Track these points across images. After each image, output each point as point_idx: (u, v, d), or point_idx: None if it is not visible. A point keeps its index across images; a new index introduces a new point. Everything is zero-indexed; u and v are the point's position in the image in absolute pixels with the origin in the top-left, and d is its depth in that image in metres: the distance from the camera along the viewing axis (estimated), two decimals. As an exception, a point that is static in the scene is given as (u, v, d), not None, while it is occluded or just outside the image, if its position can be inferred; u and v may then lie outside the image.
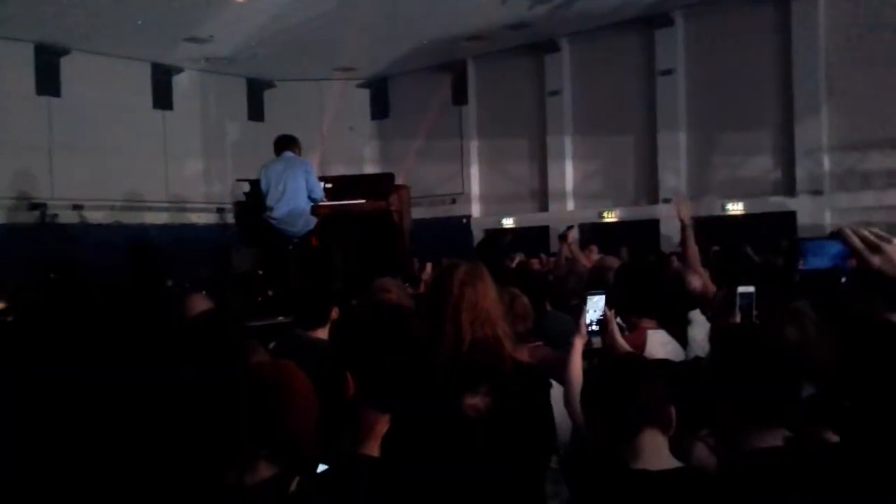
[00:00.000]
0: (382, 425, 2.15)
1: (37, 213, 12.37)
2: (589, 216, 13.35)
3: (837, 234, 1.61)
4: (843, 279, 2.34)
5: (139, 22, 11.71)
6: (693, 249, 4.09)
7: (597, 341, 3.11)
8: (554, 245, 12.43)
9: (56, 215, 12.50)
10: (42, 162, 12.56)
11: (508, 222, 14.55)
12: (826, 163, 11.42)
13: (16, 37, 12.13)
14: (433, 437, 2.17)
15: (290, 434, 2.19)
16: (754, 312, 2.95)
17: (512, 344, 2.40)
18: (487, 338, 2.32)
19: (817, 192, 11.40)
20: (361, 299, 4.08)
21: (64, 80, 12.93)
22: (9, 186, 12.16)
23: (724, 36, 12.24)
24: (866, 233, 1.50)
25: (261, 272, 6.59)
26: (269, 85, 15.81)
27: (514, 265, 7.02)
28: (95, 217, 12.87)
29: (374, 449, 2.13)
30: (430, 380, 2.27)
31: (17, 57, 12.39)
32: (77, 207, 12.69)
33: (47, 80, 12.78)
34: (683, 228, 4.37)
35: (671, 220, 4.70)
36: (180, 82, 14.59)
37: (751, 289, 2.95)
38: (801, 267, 1.79)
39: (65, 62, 12.96)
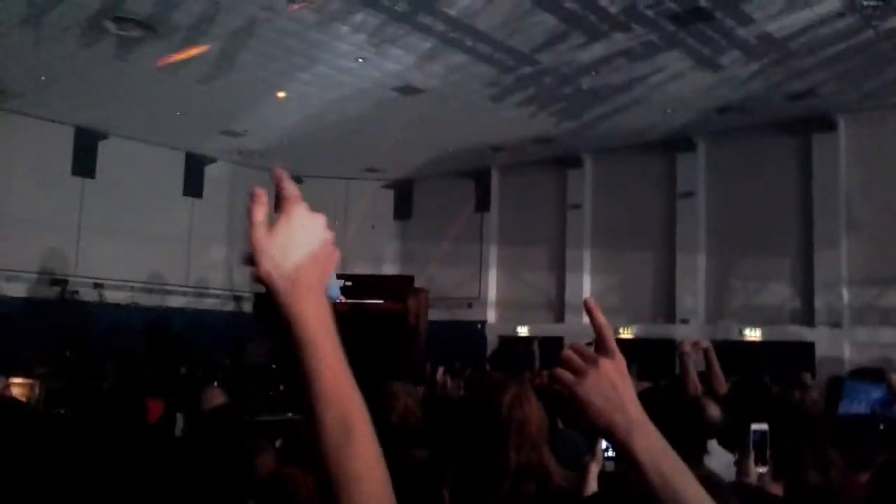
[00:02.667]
0: None
1: (58, 288, 12.51)
2: (604, 331, 13.26)
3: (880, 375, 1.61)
4: (882, 426, 2.25)
5: (178, 113, 12.15)
6: (718, 372, 4.06)
7: (611, 466, 3.06)
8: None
9: (76, 292, 12.62)
10: (69, 239, 12.79)
11: (523, 330, 14.49)
12: (845, 296, 11.38)
13: (58, 119, 12.59)
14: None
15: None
16: (768, 452, 2.89)
17: (558, 470, 2.29)
18: (533, 464, 2.21)
19: (836, 325, 11.31)
20: (369, 404, 4.04)
21: (100, 163, 13.33)
22: (33, 261, 12.35)
23: (746, 163, 12.46)
24: None
25: (274, 366, 6.59)
26: (297, 180, 16.10)
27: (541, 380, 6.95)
28: (115, 297, 12.97)
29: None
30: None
31: (57, 138, 12.82)
32: (98, 286, 12.82)
33: (84, 162, 13.17)
34: (707, 351, 4.37)
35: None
36: (211, 172, 14.99)
37: (764, 426, 2.90)
38: (840, 411, 1.74)
39: (102, 146, 13.38)
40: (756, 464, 2.71)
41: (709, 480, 1.90)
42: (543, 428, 2.30)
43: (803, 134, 11.97)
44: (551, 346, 13.86)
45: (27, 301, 12.20)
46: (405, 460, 1.72)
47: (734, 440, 2.98)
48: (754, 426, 2.81)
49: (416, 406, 3.83)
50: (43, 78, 10.72)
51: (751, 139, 12.41)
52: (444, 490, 1.76)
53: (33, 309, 12.01)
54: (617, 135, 12.90)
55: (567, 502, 1.81)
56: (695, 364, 5.25)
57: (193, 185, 14.72)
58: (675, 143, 13.13)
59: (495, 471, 2.15)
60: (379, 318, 7.34)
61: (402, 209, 16.76)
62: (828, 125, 11.66)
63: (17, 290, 12.20)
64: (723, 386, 4.72)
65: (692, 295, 12.82)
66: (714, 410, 3.57)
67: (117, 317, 12.12)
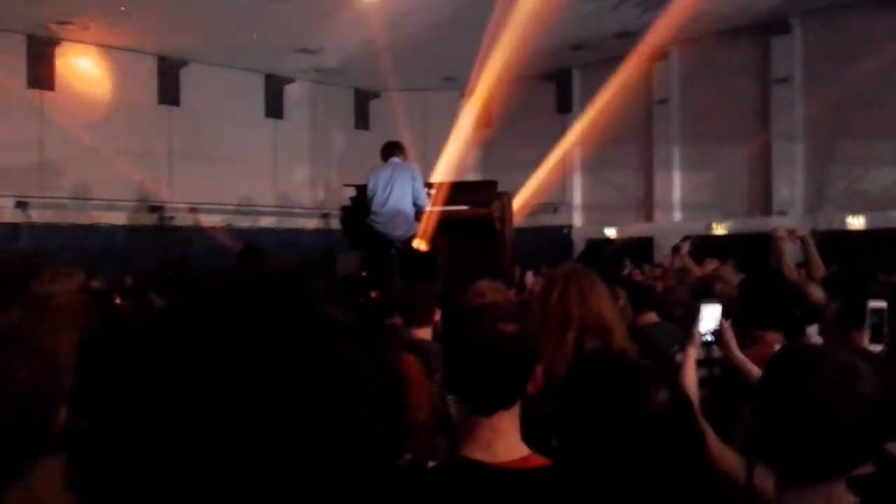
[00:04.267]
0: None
1: (155, 215, 13.02)
2: (696, 228, 12.91)
3: None
4: None
5: (255, 35, 12.17)
6: (817, 260, 3.89)
7: (710, 352, 3.00)
8: (659, 257, 12.12)
9: (172, 217, 13.12)
10: (162, 167, 13.21)
11: (611, 233, 14.27)
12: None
13: (141, 49, 12.83)
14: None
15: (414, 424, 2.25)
16: (885, 330, 2.75)
17: (624, 338, 2.34)
18: (598, 326, 2.27)
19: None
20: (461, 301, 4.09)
21: (183, 90, 13.59)
22: (131, 190, 12.85)
23: (845, 43, 11.62)
24: None
25: (365, 274, 6.70)
26: (376, 95, 16.11)
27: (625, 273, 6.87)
28: (210, 220, 13.42)
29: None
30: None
31: (141, 68, 13.10)
32: (193, 210, 13.27)
33: (168, 90, 13.46)
34: (804, 239, 4.19)
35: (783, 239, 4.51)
36: (291, 92, 15.09)
37: (882, 304, 2.75)
38: None
39: (184, 73, 13.61)
40: (871, 342, 2.58)
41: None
42: (613, 314, 2.32)
43: (911, 5, 11.06)
44: (641, 247, 13.73)
45: (127, 228, 12.78)
46: (501, 331, 1.71)
47: (845, 322, 2.85)
48: (872, 303, 2.67)
49: (505, 300, 3.85)
50: (122, 8, 10.88)
51: (849, 16, 11.55)
52: (536, 366, 1.78)
53: (133, 236, 12.58)
54: (704, 21, 12.19)
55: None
56: (793, 255, 5.05)
57: (274, 106, 14.88)
58: (769, 26, 12.33)
59: (560, 333, 2.22)
60: (464, 225, 7.32)
61: (484, 117, 16.49)
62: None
63: (118, 218, 12.78)
64: (820, 274, 4.53)
65: (789, 185, 12.26)
66: (818, 293, 3.43)
67: (212, 239, 12.55)
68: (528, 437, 1.80)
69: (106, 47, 12.59)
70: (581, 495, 1.38)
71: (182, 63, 13.50)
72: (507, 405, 1.73)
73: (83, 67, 12.63)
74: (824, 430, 1.46)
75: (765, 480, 1.64)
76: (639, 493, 1.36)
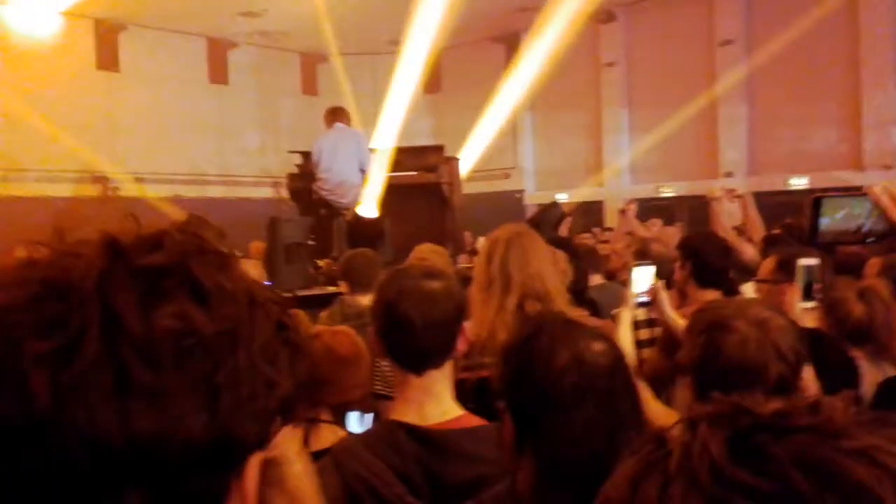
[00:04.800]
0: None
1: (99, 186, 12.67)
2: (646, 191, 13.07)
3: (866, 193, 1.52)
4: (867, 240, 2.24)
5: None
6: (755, 220, 3.96)
7: (645, 313, 3.04)
8: (609, 220, 12.25)
9: (117, 188, 12.78)
10: (105, 136, 12.83)
11: (563, 197, 14.34)
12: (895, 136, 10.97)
13: (76, 12, 12.37)
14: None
15: (349, 396, 2.23)
16: (815, 287, 2.79)
17: (565, 303, 2.36)
18: (539, 292, 2.28)
19: (887, 168, 10.94)
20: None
21: (122, 56, 13.17)
22: (73, 160, 12.47)
23: (788, 4, 11.76)
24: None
25: (311, 242, 6.63)
26: (323, 59, 15.84)
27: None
28: (158, 190, 13.11)
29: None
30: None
31: (78, 32, 12.64)
32: (139, 180, 12.96)
33: (107, 55, 13.02)
34: (742, 200, 4.26)
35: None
36: (235, 57, 14.74)
37: (813, 261, 2.78)
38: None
39: (123, 37, 13.18)
40: (803, 299, 2.63)
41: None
42: (549, 263, 2.34)
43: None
44: (592, 210, 13.81)
45: (72, 200, 12.42)
46: (425, 289, 1.76)
47: (777, 279, 2.90)
48: (802, 261, 2.71)
49: (447, 265, 3.85)
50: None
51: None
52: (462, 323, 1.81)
53: (78, 208, 12.23)
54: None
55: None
56: (732, 216, 5.13)
57: (218, 71, 14.52)
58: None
59: (501, 299, 2.24)
60: (413, 190, 7.28)
61: (432, 82, 16.35)
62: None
63: (62, 189, 12.41)
64: (759, 234, 4.62)
65: (735, 147, 12.46)
66: (750, 251, 3.50)
67: (159, 210, 12.27)
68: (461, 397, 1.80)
69: (39, 12, 12.11)
70: (530, 465, 1.37)
71: (120, 27, 13.06)
72: (436, 364, 1.72)
73: (16, 34, 12.14)
74: (745, 385, 1.49)
75: None
76: (584, 451, 1.36)
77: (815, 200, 2.31)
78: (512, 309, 2.31)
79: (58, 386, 0.48)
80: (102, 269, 0.53)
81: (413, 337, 1.69)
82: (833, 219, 2.17)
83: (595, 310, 3.55)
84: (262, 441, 0.57)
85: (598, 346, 1.33)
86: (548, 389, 1.30)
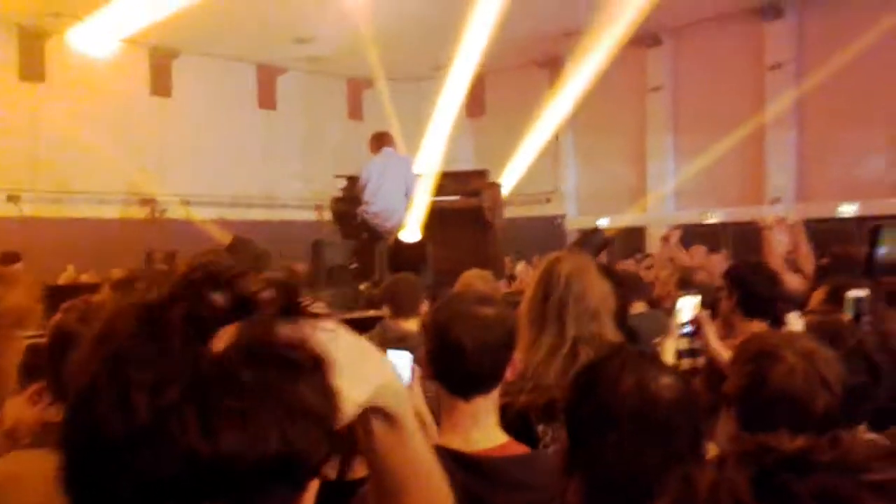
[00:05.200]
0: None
1: (147, 208, 12.96)
2: (690, 217, 12.90)
3: None
4: None
5: (245, 24, 12.09)
6: (806, 249, 3.89)
7: (687, 343, 2.99)
8: (651, 246, 12.11)
9: (165, 210, 13.06)
10: (154, 159, 13.16)
11: (604, 222, 14.25)
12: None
13: (132, 40, 12.75)
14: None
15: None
16: (865, 318, 2.73)
17: (615, 336, 2.31)
18: (593, 335, 2.23)
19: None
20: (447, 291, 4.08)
21: (175, 82, 13.52)
22: (122, 183, 12.79)
23: (838, 28, 11.59)
24: None
25: (354, 265, 6.67)
26: (369, 84, 16.05)
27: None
28: (203, 213, 13.37)
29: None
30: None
31: (133, 60, 13.03)
32: (185, 203, 13.23)
33: (160, 81, 13.39)
34: (793, 228, 4.19)
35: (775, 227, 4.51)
36: (284, 83, 15.02)
37: (862, 292, 2.73)
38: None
39: (176, 64, 13.53)
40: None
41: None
42: (605, 301, 2.28)
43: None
44: (633, 236, 13.70)
45: (120, 222, 12.73)
46: (478, 316, 1.75)
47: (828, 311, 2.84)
48: (852, 292, 2.66)
49: (494, 291, 3.84)
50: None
51: (844, 2, 11.51)
52: (514, 351, 1.79)
53: (126, 229, 12.52)
54: (697, 7, 12.16)
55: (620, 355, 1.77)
56: (783, 244, 5.04)
57: (267, 97, 14.81)
58: (763, 10, 12.30)
59: (554, 341, 2.17)
60: (455, 215, 7.29)
61: (476, 106, 16.44)
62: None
63: (110, 211, 12.73)
64: (810, 263, 4.52)
65: (782, 173, 12.26)
66: (795, 281, 3.42)
67: (205, 232, 12.49)
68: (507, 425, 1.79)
69: (97, 38, 12.50)
70: (579, 485, 1.37)
71: (174, 54, 13.42)
72: (485, 390, 1.72)
73: (75, 59, 12.55)
74: (791, 416, 1.47)
75: None
76: (644, 483, 1.34)
77: (873, 229, 2.27)
78: (565, 353, 2.25)
79: (154, 407, 0.55)
80: (189, 313, 0.61)
81: (464, 362, 1.70)
82: (892, 248, 2.13)
83: (634, 338, 3.49)
84: (322, 463, 0.63)
85: (665, 380, 1.36)
86: (606, 410, 1.33)
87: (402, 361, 2.18)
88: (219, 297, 0.62)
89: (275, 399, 0.58)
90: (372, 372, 0.71)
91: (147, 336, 0.59)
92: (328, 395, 0.62)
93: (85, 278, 8.79)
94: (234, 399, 0.56)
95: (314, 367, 0.61)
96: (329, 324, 0.68)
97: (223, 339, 0.59)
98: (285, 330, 0.61)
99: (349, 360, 0.67)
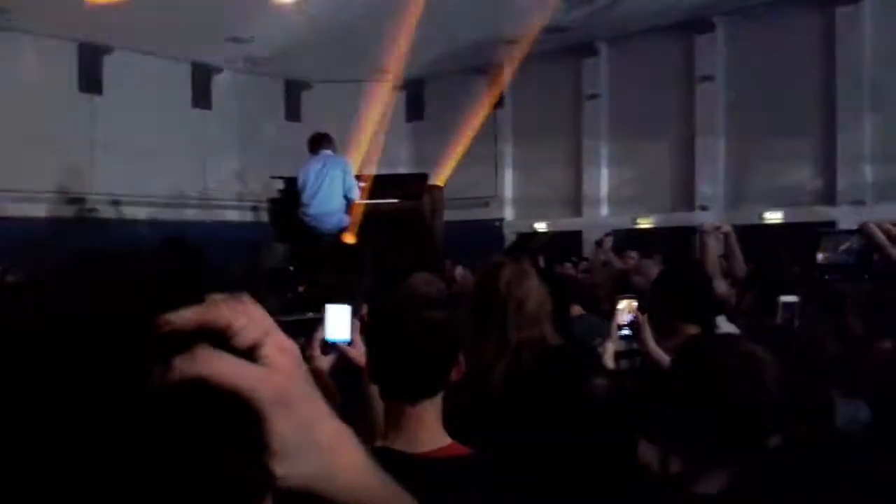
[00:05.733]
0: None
1: (76, 207, 12.58)
2: (623, 222, 13.20)
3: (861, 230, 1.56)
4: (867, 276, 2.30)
5: (181, 22, 11.85)
6: (739, 256, 4.05)
7: (632, 344, 3.07)
8: (587, 250, 12.34)
9: (95, 210, 12.70)
10: (84, 157, 12.77)
11: (541, 226, 14.46)
12: (868, 173, 11.20)
13: (59, 35, 12.36)
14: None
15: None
16: (796, 323, 2.85)
17: (553, 338, 2.36)
18: (534, 339, 2.27)
19: (859, 203, 11.16)
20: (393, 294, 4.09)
21: (106, 79, 13.16)
22: (50, 181, 12.38)
23: (766, 42, 12.06)
24: (889, 227, 1.46)
25: (292, 268, 6.62)
26: (307, 86, 15.91)
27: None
28: (135, 213, 13.04)
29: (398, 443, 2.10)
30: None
31: (61, 55, 12.63)
32: (115, 203, 12.88)
33: (90, 78, 13.01)
34: (727, 235, 4.35)
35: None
36: (219, 82, 14.77)
37: (793, 298, 2.85)
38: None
39: (108, 60, 13.18)
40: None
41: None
42: (545, 306, 2.34)
43: (826, 7, 11.51)
44: (570, 240, 13.91)
45: (48, 221, 12.31)
46: (425, 321, 1.76)
47: (759, 315, 2.96)
48: (784, 298, 2.78)
49: (441, 294, 3.86)
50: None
51: (771, 16, 11.96)
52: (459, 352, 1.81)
53: (54, 228, 12.11)
54: (632, 19, 12.45)
55: (563, 358, 1.83)
56: (717, 250, 5.21)
57: (202, 96, 14.54)
58: (693, 24, 12.68)
59: (497, 345, 2.21)
60: (395, 217, 7.31)
61: (415, 110, 16.48)
62: (853, -4, 11.19)
63: (37, 210, 12.30)
64: (742, 269, 4.70)
65: (711, 180, 12.66)
66: (721, 286, 3.56)
67: (137, 233, 12.19)
68: (449, 426, 1.82)
69: (25, 33, 12.09)
70: (510, 483, 1.40)
71: (106, 50, 13.07)
72: (430, 394, 1.75)
73: (1, 54, 12.10)
74: (730, 415, 1.53)
75: (677, 467, 1.70)
76: (578, 480, 1.39)
77: (815, 235, 2.39)
78: (509, 359, 2.29)
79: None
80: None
81: (411, 368, 1.72)
82: (830, 253, 2.23)
83: (573, 341, 3.57)
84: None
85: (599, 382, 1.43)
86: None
87: (342, 315, 2.19)
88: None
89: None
90: (314, 454, 0.56)
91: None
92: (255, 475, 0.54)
93: (10, 279, 8.48)
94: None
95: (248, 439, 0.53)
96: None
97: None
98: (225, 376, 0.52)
99: (295, 437, 0.54)
